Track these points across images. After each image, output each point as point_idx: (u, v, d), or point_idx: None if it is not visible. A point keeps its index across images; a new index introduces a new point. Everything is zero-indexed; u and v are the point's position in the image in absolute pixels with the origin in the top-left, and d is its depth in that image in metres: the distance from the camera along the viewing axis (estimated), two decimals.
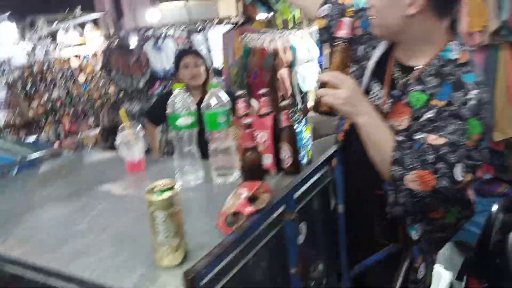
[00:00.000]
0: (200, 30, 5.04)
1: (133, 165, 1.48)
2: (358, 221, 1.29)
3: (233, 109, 1.26)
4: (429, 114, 1.08)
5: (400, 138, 1.11)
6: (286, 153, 1.26)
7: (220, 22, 4.97)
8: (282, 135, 1.26)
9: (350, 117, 1.14)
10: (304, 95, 3.37)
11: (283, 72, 3.30)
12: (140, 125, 1.60)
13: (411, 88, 1.15)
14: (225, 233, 0.84)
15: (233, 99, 1.26)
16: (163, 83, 4.95)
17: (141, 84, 4.57)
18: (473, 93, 1.03)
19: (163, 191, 0.81)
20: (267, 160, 1.28)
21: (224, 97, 1.27)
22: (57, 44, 6.88)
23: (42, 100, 5.91)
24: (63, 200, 1.29)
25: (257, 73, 3.28)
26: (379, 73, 1.25)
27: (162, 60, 4.72)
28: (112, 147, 1.61)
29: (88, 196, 1.29)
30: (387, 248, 1.29)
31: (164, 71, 4.78)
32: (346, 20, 1.15)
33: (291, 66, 3.34)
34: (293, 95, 3.30)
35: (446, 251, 1.88)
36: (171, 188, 0.82)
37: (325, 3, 1.40)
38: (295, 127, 1.28)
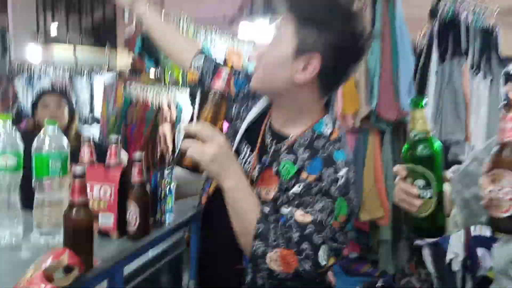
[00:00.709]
0: (84, 75, 4.73)
1: None
2: None
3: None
4: (298, 187, 1.01)
5: (267, 210, 1.01)
6: (133, 213, 1.05)
7: (109, 70, 4.79)
8: (131, 192, 1.05)
9: (215, 177, 0.99)
10: None
11: (165, 128, 3.14)
12: None
13: (282, 157, 1.07)
14: None
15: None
16: None
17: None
18: (343, 171, 1.00)
19: None
20: (108, 220, 1.06)
21: (63, 138, 1.04)
22: None
23: None
24: None
25: (136, 125, 3.06)
26: (251, 136, 1.16)
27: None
28: None
29: None
30: None
31: (35, 97, 4.28)
32: (225, 71, 1.04)
33: (175, 122, 3.23)
34: (173, 152, 3.15)
35: None
36: None
37: (199, 52, 1.31)
38: (147, 186, 1.09)
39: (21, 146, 1.03)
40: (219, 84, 1.02)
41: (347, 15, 1.01)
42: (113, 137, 1.12)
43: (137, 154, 1.07)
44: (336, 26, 0.99)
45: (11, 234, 1.03)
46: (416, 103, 0.93)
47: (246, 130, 1.17)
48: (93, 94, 4.79)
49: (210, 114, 1.01)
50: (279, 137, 1.11)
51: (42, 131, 1.03)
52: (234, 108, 1.23)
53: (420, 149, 0.92)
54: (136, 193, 1.05)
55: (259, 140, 1.14)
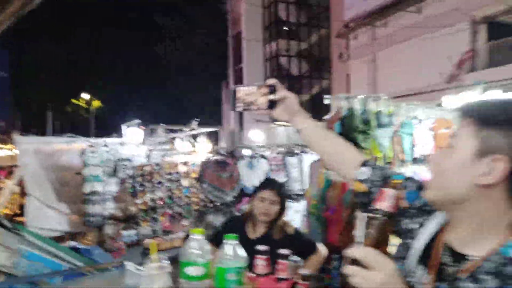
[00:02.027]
0: (295, 154, 5.15)
1: None
2: None
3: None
4: None
5: None
6: None
7: None
8: None
9: None
10: None
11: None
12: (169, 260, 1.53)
13: (462, 284, 0.91)
14: None
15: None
16: (250, 200, 5.01)
17: (229, 198, 4.67)
18: None
19: None
20: None
21: (241, 251, 1.15)
22: (171, 150, 7.66)
23: (145, 198, 6.39)
24: None
25: (335, 208, 3.10)
26: (424, 255, 1.03)
27: (253, 178, 4.83)
28: None
29: None
30: None
31: (254, 188, 4.85)
32: (390, 192, 0.99)
33: None
34: None
35: None
36: None
37: (363, 164, 1.26)
38: None
39: (209, 256, 1.18)
40: (386, 205, 0.96)
41: None
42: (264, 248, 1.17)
43: (306, 271, 1.08)
44: None
45: None
46: None
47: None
48: (302, 171, 5.16)
49: (376, 237, 0.95)
50: (458, 258, 0.95)
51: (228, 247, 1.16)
52: (404, 222, 1.13)
53: None
54: None
55: (435, 259, 1.00)
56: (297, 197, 5.00)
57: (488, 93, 3.27)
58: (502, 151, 0.88)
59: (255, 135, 7.57)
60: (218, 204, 4.72)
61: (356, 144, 3.16)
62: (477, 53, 10.59)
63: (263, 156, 5.03)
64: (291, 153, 5.22)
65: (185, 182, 6.74)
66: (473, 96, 3.24)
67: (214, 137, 9.49)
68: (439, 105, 3.71)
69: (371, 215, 0.97)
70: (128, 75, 26.39)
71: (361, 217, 0.97)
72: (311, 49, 19.26)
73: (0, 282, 1.81)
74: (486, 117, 0.91)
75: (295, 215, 4.85)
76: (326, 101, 3.58)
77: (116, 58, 26.07)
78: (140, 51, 25.59)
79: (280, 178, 5.01)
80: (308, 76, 19.65)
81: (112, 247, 6.42)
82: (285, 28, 19.39)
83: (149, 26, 24.07)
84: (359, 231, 0.95)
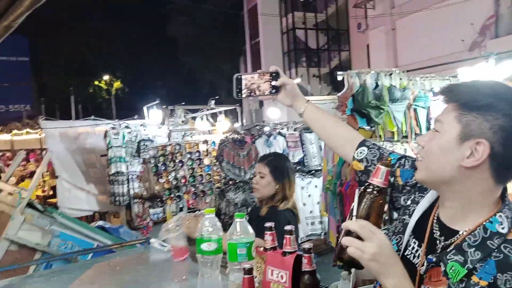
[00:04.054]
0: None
1: (178, 252, 1.60)
2: None
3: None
4: None
5: None
6: None
7: None
8: (301, 280, 1.17)
9: (376, 275, 1.00)
10: None
11: None
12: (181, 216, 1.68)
13: (449, 257, 0.99)
14: None
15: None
16: None
17: (247, 176, 4.79)
18: None
19: None
20: None
21: (250, 228, 1.25)
22: (190, 130, 7.81)
23: (169, 177, 6.60)
24: None
25: (350, 184, 3.17)
26: (418, 229, 1.11)
27: None
28: None
29: None
30: None
31: None
32: (383, 169, 1.06)
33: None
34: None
35: None
36: None
37: (361, 144, 1.33)
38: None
39: (221, 233, 1.29)
40: (377, 180, 1.04)
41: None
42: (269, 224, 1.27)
43: (307, 245, 1.18)
44: (502, 110, 0.92)
45: None
46: None
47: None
48: (321, 146, 5.21)
49: (369, 210, 1.03)
50: (448, 232, 1.03)
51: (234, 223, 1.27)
52: (401, 199, 1.20)
53: None
54: (305, 281, 1.16)
55: (427, 234, 1.08)
56: (315, 172, 5.08)
57: (505, 63, 3.23)
58: (484, 134, 0.93)
59: (274, 112, 7.63)
60: (237, 182, 4.85)
61: (370, 119, 3.20)
62: (500, 19, 10.21)
63: (280, 134, 5.11)
64: (309, 129, 5.27)
65: (206, 161, 6.91)
66: (488, 67, 3.19)
67: (233, 115, 9.60)
68: (455, 76, 3.68)
69: (364, 189, 1.06)
70: (146, 55, 26.54)
71: (356, 192, 1.05)
72: (328, 21, 18.90)
73: (38, 259, 1.99)
74: (468, 102, 0.97)
75: (314, 190, 4.95)
76: (339, 77, 3.60)
77: (133, 37, 26.21)
78: (157, 29, 25.62)
79: (298, 154, 5.09)
80: (327, 49, 19.35)
81: (140, 224, 6.71)
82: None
83: (165, 2, 23.97)
84: (355, 205, 1.04)
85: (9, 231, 2.02)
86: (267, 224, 1.28)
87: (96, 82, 26.38)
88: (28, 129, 9.90)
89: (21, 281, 1.63)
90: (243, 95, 1.33)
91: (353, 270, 3.11)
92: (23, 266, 1.88)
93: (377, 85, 3.31)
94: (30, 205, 2.13)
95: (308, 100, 1.40)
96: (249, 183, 4.84)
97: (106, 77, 26.35)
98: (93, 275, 1.70)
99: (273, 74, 1.34)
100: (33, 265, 1.93)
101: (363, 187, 1.08)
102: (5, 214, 2.24)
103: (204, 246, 1.27)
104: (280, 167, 2.25)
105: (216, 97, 8.42)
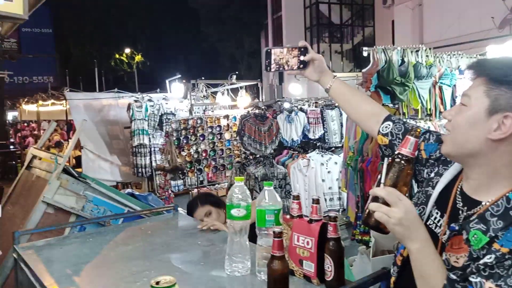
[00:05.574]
0: (335, 106, 5.19)
1: None
2: None
3: None
4: (489, 258, 0.96)
5: (454, 276, 1.00)
6: (328, 265, 1.22)
7: None
8: (327, 246, 1.23)
9: (401, 240, 1.06)
10: None
11: None
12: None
13: (472, 225, 1.03)
14: None
15: None
16: (289, 152, 5.17)
17: (268, 151, 4.85)
18: None
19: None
20: (310, 268, 1.26)
21: (277, 196, 1.31)
22: (212, 104, 7.86)
23: (190, 150, 6.73)
24: (129, 260, 1.47)
25: (371, 160, 3.20)
26: (441, 199, 1.15)
27: (292, 131, 4.96)
28: None
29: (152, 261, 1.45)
30: None
31: (292, 141, 5.00)
32: (412, 139, 1.10)
33: None
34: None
35: None
36: (173, 286, 0.89)
37: (386, 119, 1.36)
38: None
39: (250, 200, 1.36)
40: (405, 150, 1.08)
41: None
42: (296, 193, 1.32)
43: (332, 214, 1.23)
44: None
45: (243, 267, 1.37)
46: None
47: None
48: (342, 123, 5.21)
49: (397, 178, 1.08)
50: (471, 203, 1.06)
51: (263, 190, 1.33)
52: (424, 172, 1.24)
53: None
54: (331, 247, 1.22)
55: (450, 204, 1.12)
56: (335, 149, 5.10)
57: None
58: (511, 108, 0.96)
59: (295, 88, 7.60)
60: (257, 156, 4.91)
61: (394, 96, 3.19)
62: None
63: (301, 110, 5.12)
64: (330, 106, 5.26)
65: (226, 135, 7.00)
66: None
67: (254, 90, 9.59)
68: (483, 54, 3.60)
69: (392, 159, 1.10)
70: (168, 28, 26.46)
71: (385, 161, 1.09)
72: None
73: (73, 222, 2.11)
74: (497, 77, 0.99)
75: (334, 167, 4.98)
76: (364, 53, 3.57)
77: (155, 8, 26.11)
78: (179, 2, 25.43)
79: (318, 131, 5.11)
80: (350, 24, 18.92)
81: (161, 195, 6.90)
82: None
83: None
84: (382, 174, 1.08)
85: (46, 195, 2.14)
86: (294, 193, 1.33)
87: (117, 55, 26.54)
88: (53, 100, 10.13)
89: (58, 241, 1.74)
90: (272, 69, 1.37)
91: (371, 243, 3.17)
92: (60, 227, 2.00)
93: (403, 62, 3.28)
94: (65, 170, 2.24)
95: (335, 76, 1.43)
96: (269, 158, 4.91)
97: (127, 50, 26.46)
98: (126, 238, 1.80)
99: (302, 49, 1.37)
100: (69, 227, 2.05)
101: (391, 157, 1.12)
102: (41, 179, 2.37)
103: (234, 212, 1.34)
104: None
105: (236, 72, 8.42)
